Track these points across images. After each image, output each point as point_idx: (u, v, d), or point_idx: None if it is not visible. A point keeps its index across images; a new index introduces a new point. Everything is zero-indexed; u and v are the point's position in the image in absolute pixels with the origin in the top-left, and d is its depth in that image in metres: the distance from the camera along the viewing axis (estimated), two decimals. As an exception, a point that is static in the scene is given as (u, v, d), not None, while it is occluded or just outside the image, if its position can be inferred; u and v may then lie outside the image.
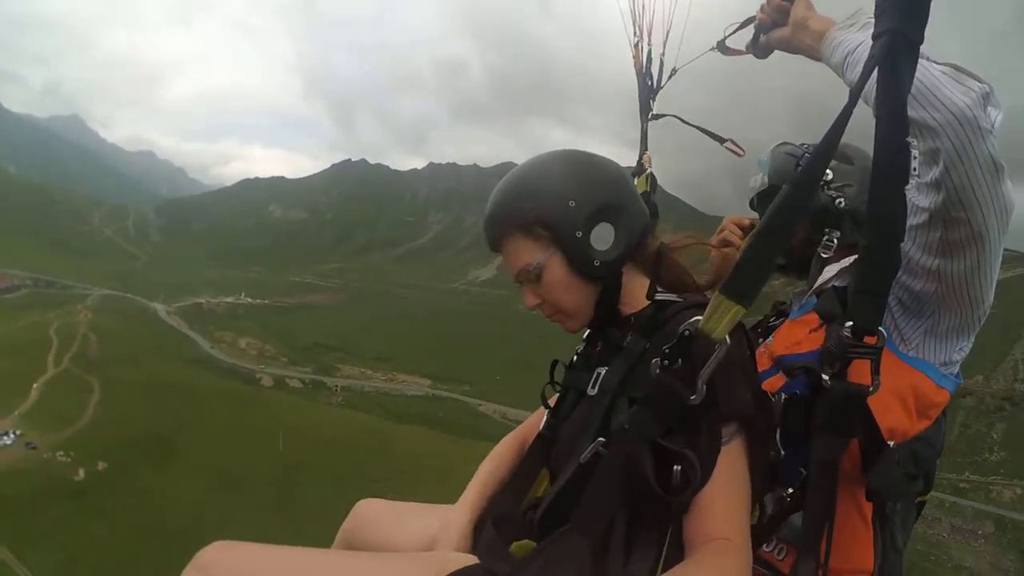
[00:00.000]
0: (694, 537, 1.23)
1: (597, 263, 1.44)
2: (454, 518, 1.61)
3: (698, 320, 1.20)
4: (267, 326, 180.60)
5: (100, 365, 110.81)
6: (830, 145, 1.12)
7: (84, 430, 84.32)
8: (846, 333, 1.21)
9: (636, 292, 1.53)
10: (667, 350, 1.23)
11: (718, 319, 1.16)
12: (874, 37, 1.17)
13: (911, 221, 1.32)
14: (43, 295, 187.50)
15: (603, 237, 1.45)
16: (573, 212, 1.43)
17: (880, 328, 1.20)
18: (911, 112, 1.20)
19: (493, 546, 1.45)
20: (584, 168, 1.49)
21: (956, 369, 1.53)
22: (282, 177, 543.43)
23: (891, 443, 1.34)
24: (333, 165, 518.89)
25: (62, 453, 76.36)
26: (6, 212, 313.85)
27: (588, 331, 1.65)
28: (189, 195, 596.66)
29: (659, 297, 1.49)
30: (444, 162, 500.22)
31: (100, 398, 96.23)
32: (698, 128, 2.05)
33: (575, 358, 1.70)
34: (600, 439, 1.32)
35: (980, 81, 1.19)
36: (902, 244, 1.26)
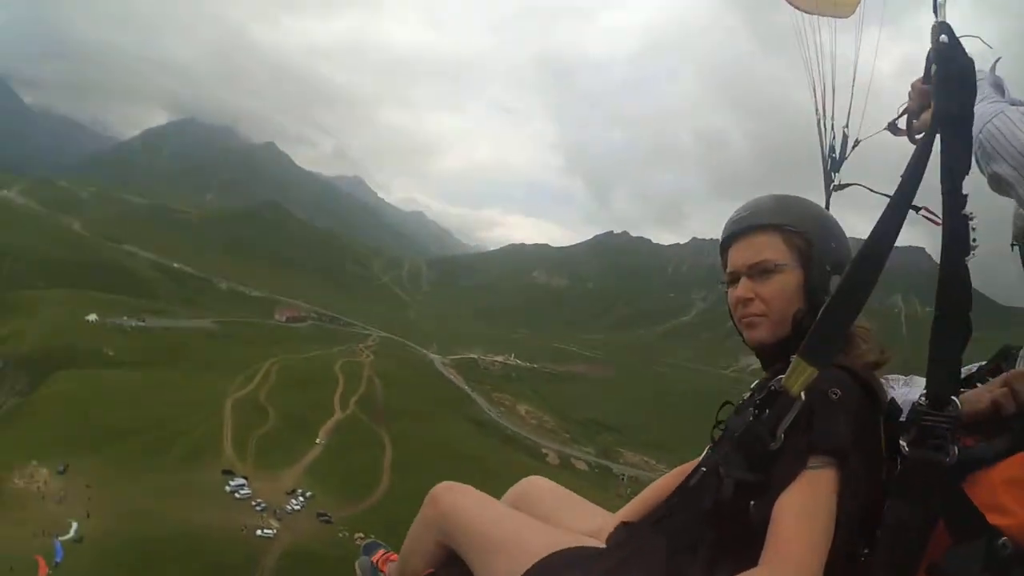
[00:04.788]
0: (764, 551, 1.29)
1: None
2: (609, 521, 1.80)
3: (782, 378, 1.32)
4: (540, 393, 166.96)
5: (387, 415, 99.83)
6: (894, 218, 1.23)
7: (381, 502, 69.72)
8: (920, 402, 1.23)
9: None
10: (758, 400, 1.40)
11: (795, 378, 1.28)
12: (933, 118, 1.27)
13: None
14: (326, 330, 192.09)
15: (834, 286, 1.52)
16: (834, 250, 1.58)
17: (952, 398, 1.19)
18: (993, 167, 1.27)
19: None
20: (841, 228, 1.66)
21: None
22: (546, 244, 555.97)
23: (1004, 539, 1.14)
24: (595, 236, 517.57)
25: (361, 536, 56.59)
26: (297, 251, 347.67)
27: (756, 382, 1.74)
28: (456, 254, 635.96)
29: None
30: (707, 238, 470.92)
31: (392, 459, 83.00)
32: (886, 195, 2.11)
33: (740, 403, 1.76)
34: (702, 468, 1.57)
35: None
36: None
